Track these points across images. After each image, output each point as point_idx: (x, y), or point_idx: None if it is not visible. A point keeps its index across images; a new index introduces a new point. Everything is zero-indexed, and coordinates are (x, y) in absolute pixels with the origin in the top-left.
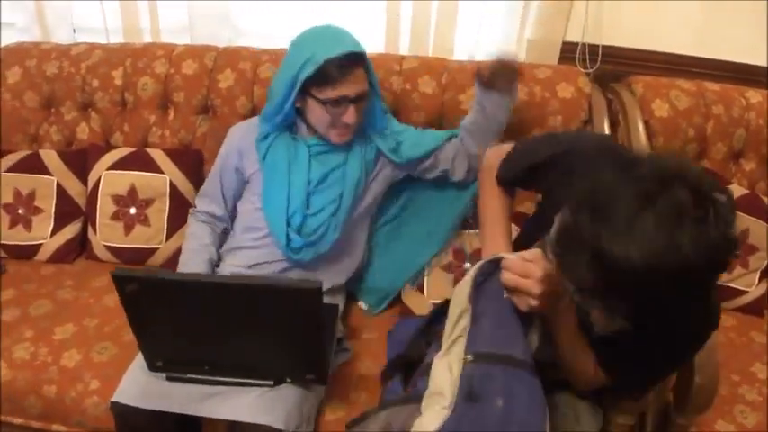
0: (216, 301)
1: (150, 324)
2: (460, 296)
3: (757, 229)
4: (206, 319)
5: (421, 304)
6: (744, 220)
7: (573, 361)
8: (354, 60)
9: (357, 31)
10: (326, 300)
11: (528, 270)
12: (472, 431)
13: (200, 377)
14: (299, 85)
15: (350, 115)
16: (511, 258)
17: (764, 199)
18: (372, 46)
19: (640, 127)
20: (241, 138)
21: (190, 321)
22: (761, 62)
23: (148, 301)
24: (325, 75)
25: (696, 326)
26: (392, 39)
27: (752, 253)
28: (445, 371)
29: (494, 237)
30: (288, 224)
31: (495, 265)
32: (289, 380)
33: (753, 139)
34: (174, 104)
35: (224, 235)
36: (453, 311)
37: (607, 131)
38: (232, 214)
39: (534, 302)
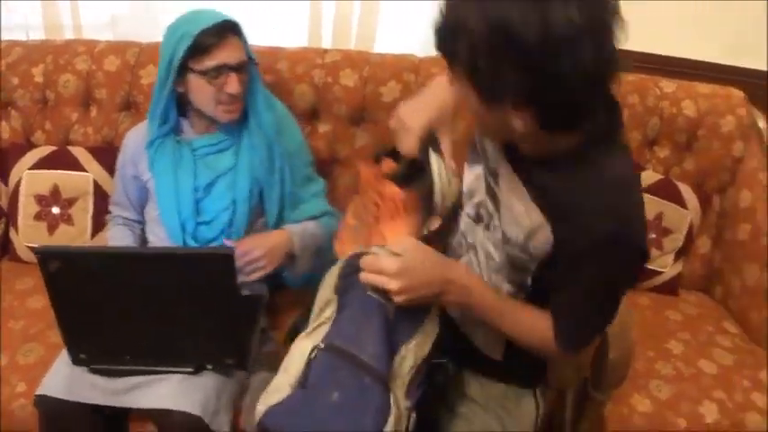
0: (135, 276)
1: (73, 308)
2: (328, 285)
3: (671, 213)
4: (127, 297)
5: None
6: (658, 204)
7: (506, 324)
8: (229, 29)
9: (281, 26)
10: (250, 290)
11: (381, 266)
12: (303, 414)
13: (122, 368)
14: (176, 63)
15: (233, 84)
16: (367, 256)
17: (678, 184)
18: (295, 40)
19: None
20: (134, 145)
21: (111, 301)
22: (675, 53)
23: (71, 279)
24: (201, 45)
25: (624, 255)
26: (315, 33)
27: (666, 235)
28: (300, 352)
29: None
30: (183, 230)
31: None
32: (209, 366)
33: (666, 127)
34: (96, 101)
35: (143, 235)
36: (321, 297)
37: None
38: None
39: (398, 298)
